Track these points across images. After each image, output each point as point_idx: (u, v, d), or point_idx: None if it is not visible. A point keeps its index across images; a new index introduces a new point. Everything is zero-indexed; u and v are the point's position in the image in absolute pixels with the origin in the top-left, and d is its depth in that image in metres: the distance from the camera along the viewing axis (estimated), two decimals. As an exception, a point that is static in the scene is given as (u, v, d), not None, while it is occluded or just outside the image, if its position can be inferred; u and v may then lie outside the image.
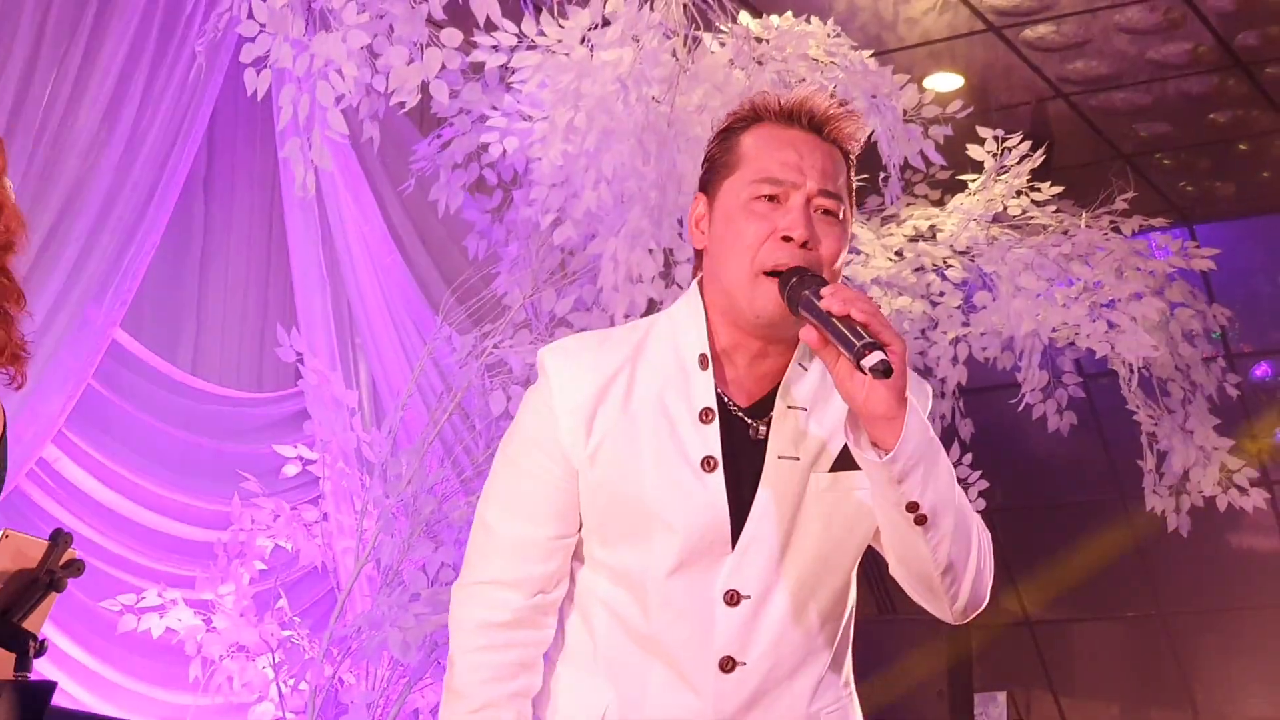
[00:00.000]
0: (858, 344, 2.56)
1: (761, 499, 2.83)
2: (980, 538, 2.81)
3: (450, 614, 2.94)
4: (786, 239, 2.80)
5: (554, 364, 2.89)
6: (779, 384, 2.89)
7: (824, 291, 2.66)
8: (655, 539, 2.82)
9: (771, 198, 2.83)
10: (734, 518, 2.83)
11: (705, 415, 2.84)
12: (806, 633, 2.89)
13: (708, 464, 2.82)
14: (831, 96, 3.00)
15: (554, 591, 2.91)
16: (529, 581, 2.89)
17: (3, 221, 2.92)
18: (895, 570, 2.85)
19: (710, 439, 2.83)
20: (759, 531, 2.83)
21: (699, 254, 2.96)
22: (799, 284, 2.73)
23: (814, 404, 2.88)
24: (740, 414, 2.88)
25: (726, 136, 2.93)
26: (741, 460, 2.85)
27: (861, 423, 2.66)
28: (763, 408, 2.89)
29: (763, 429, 2.87)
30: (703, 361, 2.86)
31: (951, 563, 2.77)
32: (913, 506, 2.68)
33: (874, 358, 2.55)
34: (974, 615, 2.88)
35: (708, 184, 2.93)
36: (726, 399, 2.89)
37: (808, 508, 2.85)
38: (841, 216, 2.88)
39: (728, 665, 2.83)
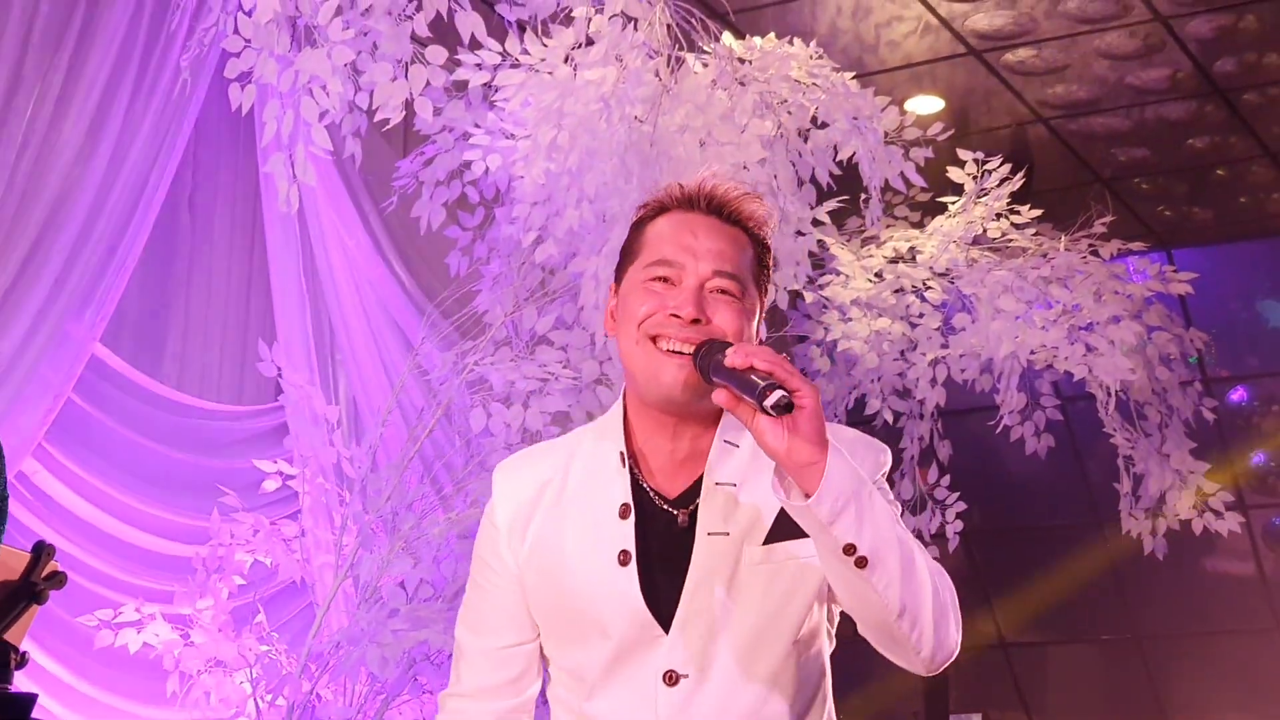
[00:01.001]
0: (760, 386, 2.56)
1: (693, 578, 2.85)
2: (939, 583, 2.76)
3: None
4: (675, 316, 2.81)
5: (498, 479, 3.03)
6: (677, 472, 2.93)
7: (728, 351, 2.67)
8: (589, 634, 2.89)
9: (665, 279, 2.86)
10: (665, 603, 2.85)
11: (623, 511, 2.89)
12: (753, 703, 2.88)
13: (623, 557, 2.86)
14: (740, 184, 3.03)
15: (519, 696, 3.06)
16: (489, 691, 3.06)
17: None
18: (861, 628, 2.81)
19: (626, 533, 2.87)
20: (691, 611, 2.84)
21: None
22: (707, 352, 2.74)
23: (744, 480, 2.89)
24: (665, 506, 2.91)
25: (636, 227, 2.97)
26: (671, 548, 2.88)
27: (788, 475, 2.64)
28: (690, 495, 2.91)
29: (684, 516, 2.89)
30: (621, 459, 2.91)
31: (905, 606, 2.71)
32: (849, 549, 2.64)
33: (774, 396, 2.55)
34: (944, 666, 2.83)
35: (619, 275, 2.97)
36: (651, 491, 2.92)
37: (741, 581, 2.86)
38: (741, 295, 2.89)
39: (672, 680, 2.85)
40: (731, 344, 2.72)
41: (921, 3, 8.57)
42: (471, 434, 6.88)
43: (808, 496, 2.62)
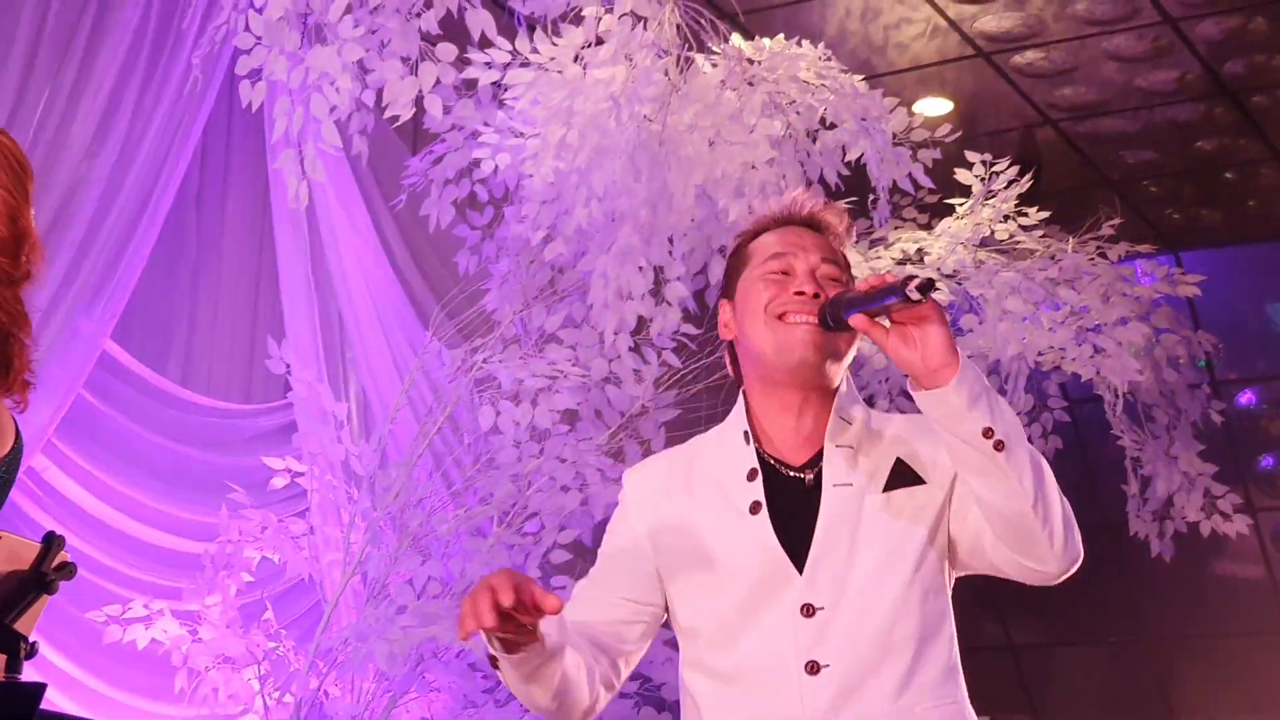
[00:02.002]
0: (898, 282, 2.88)
1: (823, 524, 3.14)
2: (1054, 481, 3.05)
3: None
4: (799, 293, 3.18)
5: (629, 476, 3.37)
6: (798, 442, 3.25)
7: (851, 286, 3.12)
8: (724, 581, 3.17)
9: (783, 272, 3.24)
10: (797, 547, 3.13)
11: (750, 474, 3.20)
12: (882, 628, 3.11)
13: (754, 507, 3.16)
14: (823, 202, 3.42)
15: (614, 641, 3.24)
16: (596, 624, 3.21)
17: (25, 253, 2.96)
18: (996, 529, 3.07)
19: (755, 490, 3.18)
20: (823, 550, 3.12)
21: (732, 353, 3.37)
22: (831, 301, 3.11)
23: (860, 443, 3.22)
24: (791, 471, 3.23)
25: (736, 250, 3.38)
26: (798, 504, 3.18)
27: (923, 382, 2.94)
28: (813, 463, 3.23)
29: (810, 476, 3.20)
30: (745, 438, 3.24)
31: (1038, 495, 2.98)
32: (988, 432, 2.92)
33: (916, 281, 2.86)
34: (1071, 571, 3.13)
35: (728, 289, 3.35)
36: (775, 462, 3.24)
37: (865, 524, 3.15)
38: (845, 282, 3.27)
39: (812, 668, 3.07)
40: (831, 299, 3.12)
41: (930, 4, 8.58)
42: (480, 432, 6.89)
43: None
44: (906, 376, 2.98)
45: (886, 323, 2.97)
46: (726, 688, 3.15)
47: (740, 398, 3.31)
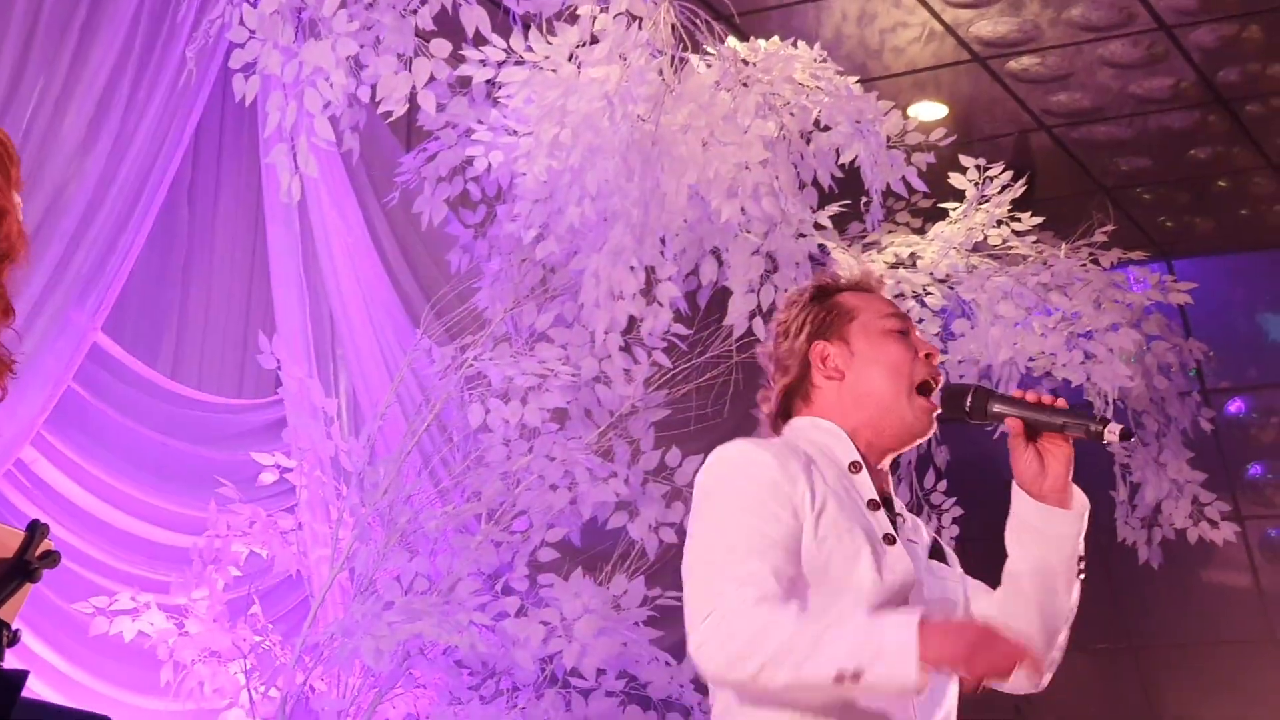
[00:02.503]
0: (1096, 419, 3.29)
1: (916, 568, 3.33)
2: None
3: (704, 649, 3.07)
4: (929, 356, 3.44)
5: (758, 445, 3.30)
6: (884, 487, 3.45)
7: (1015, 393, 3.40)
8: (846, 599, 3.18)
9: (902, 332, 3.45)
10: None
11: (872, 505, 3.32)
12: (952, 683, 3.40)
13: (888, 539, 3.29)
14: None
15: None
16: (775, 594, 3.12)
17: (4, 230, 2.93)
18: (1028, 635, 3.34)
19: (883, 522, 3.31)
20: (920, 596, 3.30)
21: (801, 388, 3.48)
22: (981, 392, 3.38)
23: (903, 510, 3.47)
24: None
25: (821, 299, 3.53)
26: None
27: (1041, 498, 3.34)
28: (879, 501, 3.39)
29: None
30: (854, 467, 3.35)
31: (1072, 610, 3.44)
32: (1081, 558, 3.38)
33: (1116, 426, 3.25)
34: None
35: (827, 332, 3.48)
36: None
37: (926, 581, 3.34)
38: None
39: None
40: (965, 386, 3.42)
41: (926, 9, 8.58)
42: (470, 429, 6.89)
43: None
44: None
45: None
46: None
47: (826, 422, 3.41)
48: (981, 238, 7.69)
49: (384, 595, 6.67)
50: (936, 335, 7.77)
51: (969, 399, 3.38)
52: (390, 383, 7.36)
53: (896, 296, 7.69)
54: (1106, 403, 7.70)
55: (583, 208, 6.32)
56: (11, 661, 3.07)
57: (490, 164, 6.68)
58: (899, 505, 3.44)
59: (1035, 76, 9.22)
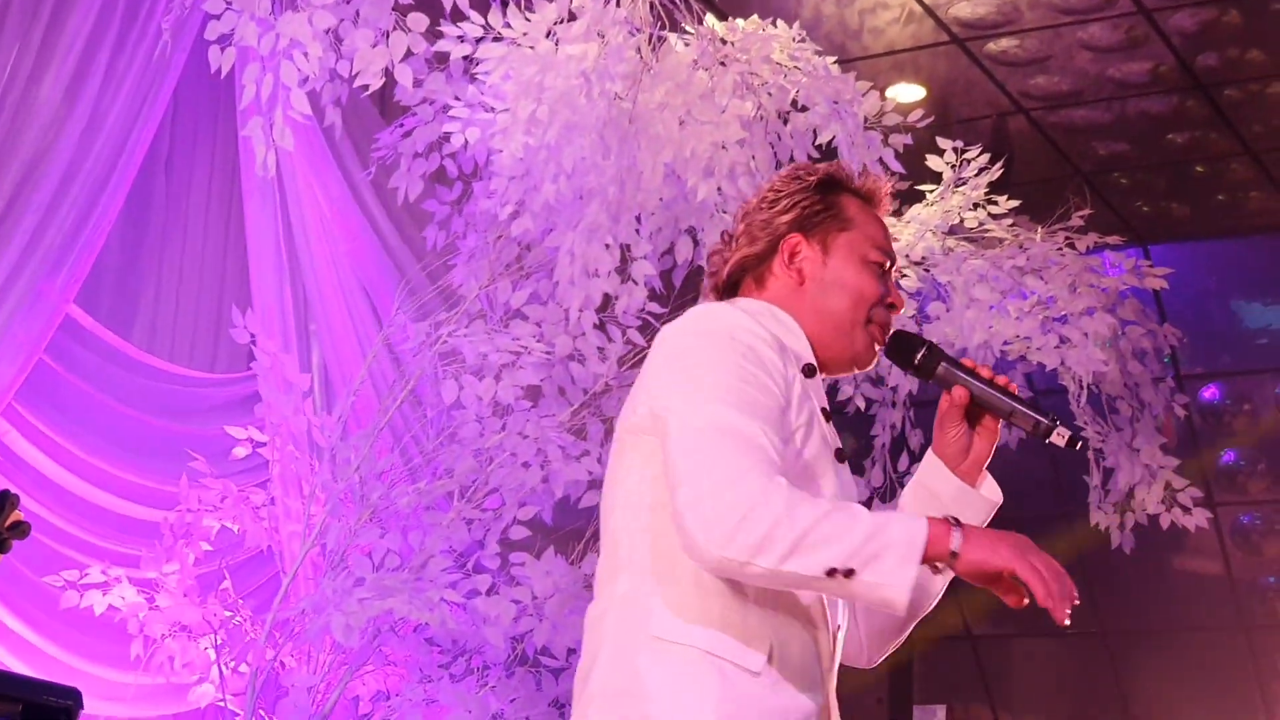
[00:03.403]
0: (1046, 418, 3.11)
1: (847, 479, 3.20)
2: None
3: (703, 516, 2.82)
4: (893, 306, 3.24)
5: (745, 319, 3.05)
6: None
7: (966, 362, 3.22)
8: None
9: (882, 266, 3.24)
10: None
11: (825, 415, 3.15)
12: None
13: (839, 454, 3.15)
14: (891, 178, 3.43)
15: None
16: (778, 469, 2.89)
17: None
18: (890, 617, 3.16)
19: (834, 435, 3.16)
20: None
21: (758, 269, 3.26)
22: (936, 352, 3.22)
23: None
24: None
25: (824, 192, 3.28)
26: None
27: (958, 472, 3.21)
28: None
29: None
30: (809, 370, 3.14)
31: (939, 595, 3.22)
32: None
33: (1065, 431, 3.10)
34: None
35: (811, 227, 3.25)
36: None
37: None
38: None
39: (836, 633, 3.11)
40: (920, 338, 3.25)
41: (905, -11, 8.59)
42: (443, 406, 6.88)
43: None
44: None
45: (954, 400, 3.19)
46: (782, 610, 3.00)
47: (787, 316, 3.19)
48: (958, 220, 7.69)
49: (355, 572, 6.66)
50: (912, 318, 7.77)
51: (921, 353, 3.21)
52: (364, 358, 7.35)
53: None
54: (1081, 387, 7.71)
55: (559, 185, 6.31)
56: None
57: (467, 140, 6.66)
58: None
59: (1014, 59, 9.22)
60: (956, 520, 2.81)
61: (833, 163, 3.36)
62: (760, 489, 2.78)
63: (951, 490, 3.20)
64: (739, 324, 3.02)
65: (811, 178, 3.27)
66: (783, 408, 2.98)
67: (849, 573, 2.74)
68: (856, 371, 3.27)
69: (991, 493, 3.22)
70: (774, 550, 2.76)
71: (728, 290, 3.27)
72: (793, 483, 2.86)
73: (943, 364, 3.19)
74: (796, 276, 3.21)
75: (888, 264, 3.25)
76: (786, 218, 3.24)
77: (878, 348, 3.23)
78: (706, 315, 3.06)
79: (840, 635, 3.13)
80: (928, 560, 2.78)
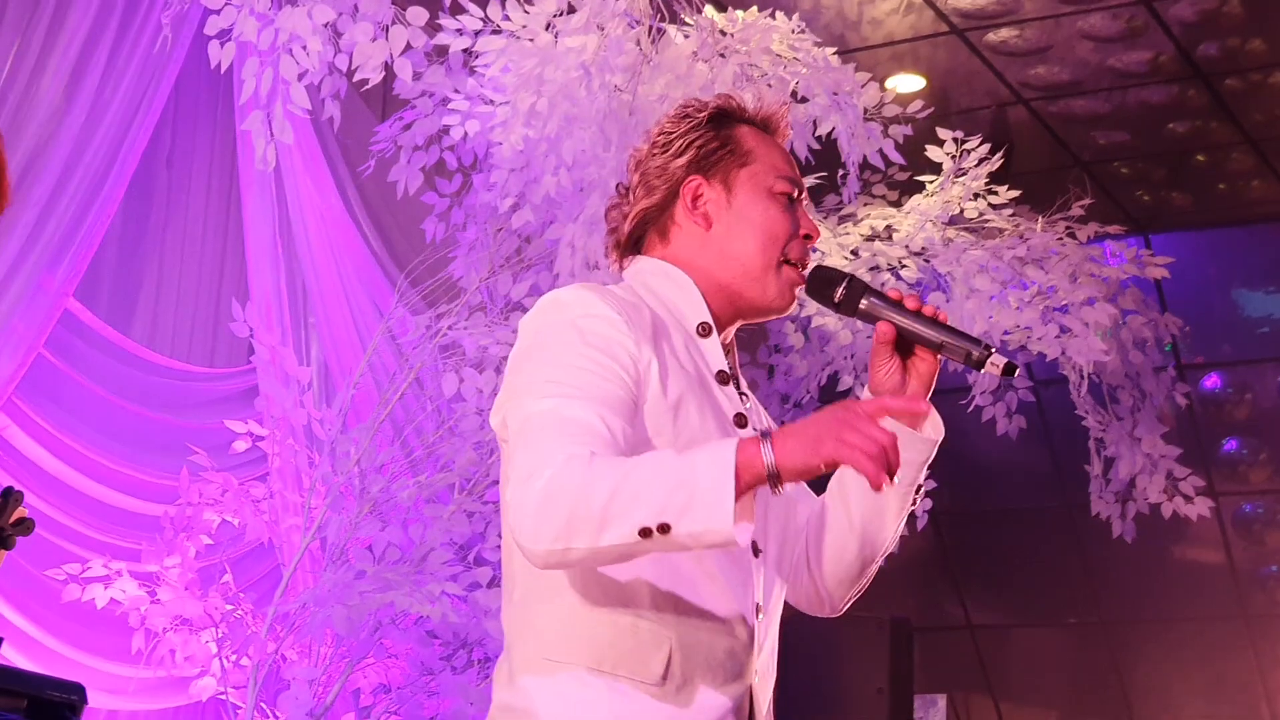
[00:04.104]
0: (979, 348, 2.86)
1: None
2: None
3: (521, 509, 2.64)
4: (808, 237, 3.04)
5: (591, 293, 2.86)
6: (731, 360, 3.07)
7: (892, 293, 2.96)
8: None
9: (790, 197, 3.04)
10: None
11: (720, 377, 2.97)
12: (783, 583, 3.05)
13: (739, 420, 2.94)
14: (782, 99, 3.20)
15: None
16: (610, 446, 2.70)
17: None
18: (843, 557, 3.02)
19: (733, 399, 2.97)
20: (763, 493, 2.77)
21: (660, 221, 3.06)
22: (856, 284, 2.96)
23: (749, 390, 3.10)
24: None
25: (718, 127, 3.07)
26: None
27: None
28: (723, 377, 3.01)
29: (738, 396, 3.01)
30: (703, 329, 2.98)
31: (893, 541, 3.04)
32: (919, 487, 2.98)
33: (1000, 358, 2.85)
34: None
35: (710, 167, 3.04)
36: None
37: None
38: None
39: (758, 612, 2.90)
40: (840, 272, 3.00)
41: (905, -20, 8.58)
42: (443, 398, 6.88)
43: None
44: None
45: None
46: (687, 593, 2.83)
47: (677, 270, 3.04)
48: (958, 211, 7.70)
49: (356, 565, 6.67)
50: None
51: (841, 288, 2.97)
52: (363, 352, 7.35)
53: (872, 269, 7.69)
54: (1082, 377, 7.72)
55: (559, 177, 6.31)
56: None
57: (466, 133, 6.66)
58: (744, 383, 3.06)
59: (1014, 49, 9.20)
60: (765, 433, 2.57)
61: (720, 94, 3.15)
62: (561, 469, 2.60)
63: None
64: (583, 309, 2.82)
65: (702, 114, 3.07)
66: (631, 390, 2.77)
67: (664, 528, 2.53)
68: (776, 317, 3.11)
69: (934, 430, 2.96)
70: (583, 528, 2.57)
71: (630, 247, 3.10)
72: (657, 416, 2.78)
73: (865, 298, 2.96)
74: (703, 222, 3.02)
75: (795, 192, 3.06)
76: (682, 160, 3.04)
77: (797, 290, 3.04)
78: (550, 305, 2.88)
79: (769, 610, 2.95)
80: (748, 487, 2.55)
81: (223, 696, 6.89)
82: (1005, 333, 7.64)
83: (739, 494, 2.53)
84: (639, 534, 2.54)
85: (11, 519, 3.50)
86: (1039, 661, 13.50)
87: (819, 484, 2.92)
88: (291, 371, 7.05)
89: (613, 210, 3.16)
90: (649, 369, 2.82)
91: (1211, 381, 12.07)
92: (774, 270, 3.00)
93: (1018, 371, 2.97)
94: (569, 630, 2.79)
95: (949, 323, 2.94)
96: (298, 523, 7.04)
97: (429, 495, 6.86)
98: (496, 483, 6.91)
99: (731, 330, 3.06)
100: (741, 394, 3.01)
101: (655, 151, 3.07)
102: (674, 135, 3.06)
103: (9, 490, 3.50)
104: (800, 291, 3.03)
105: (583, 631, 2.78)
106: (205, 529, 6.95)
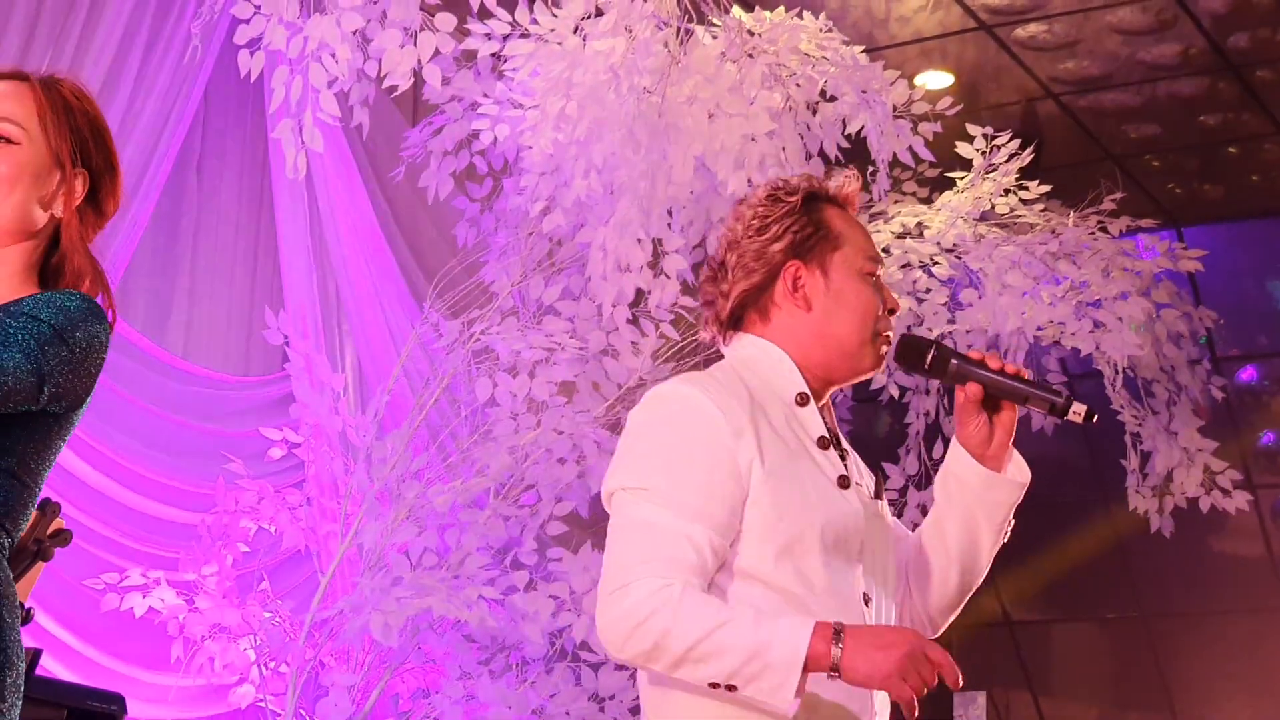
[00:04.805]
0: (1062, 397, 3.18)
1: (865, 518, 3.22)
2: None
3: (606, 618, 2.98)
4: (892, 311, 3.31)
5: (693, 390, 3.13)
6: (830, 421, 3.32)
7: (975, 355, 3.27)
8: (810, 548, 3.08)
9: (874, 275, 3.30)
10: None
11: (821, 442, 3.20)
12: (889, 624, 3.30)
13: (842, 482, 3.18)
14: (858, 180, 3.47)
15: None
16: (698, 572, 3.01)
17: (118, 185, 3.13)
18: (945, 589, 3.37)
19: (835, 462, 3.20)
20: (870, 542, 3.20)
21: (759, 301, 3.29)
22: (945, 351, 3.28)
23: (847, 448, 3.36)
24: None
25: (809, 211, 3.31)
26: None
27: (984, 459, 3.26)
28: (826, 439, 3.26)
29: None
30: (801, 399, 3.21)
31: (984, 573, 3.38)
32: (1010, 525, 3.31)
33: (1081, 406, 3.16)
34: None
35: (807, 253, 3.28)
36: None
37: (873, 525, 3.23)
38: None
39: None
40: (926, 340, 3.31)
41: (933, -24, 8.57)
42: (477, 403, 6.89)
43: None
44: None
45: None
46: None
47: (772, 347, 3.26)
48: (989, 207, 7.69)
49: (393, 570, 6.68)
50: (944, 305, 7.77)
51: (930, 355, 3.27)
52: (397, 358, 7.36)
53: (903, 267, 7.68)
54: (1116, 371, 7.70)
55: (589, 180, 6.32)
56: (25, 640, 3.08)
57: (496, 137, 6.67)
58: (844, 442, 3.31)
59: (1042, 44, 9.18)
60: (839, 630, 2.87)
61: (805, 176, 3.39)
62: (654, 601, 2.91)
63: (979, 478, 3.25)
64: (691, 413, 3.08)
65: (794, 198, 3.29)
66: (731, 495, 3.03)
67: (731, 687, 2.88)
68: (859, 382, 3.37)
69: (1019, 473, 3.27)
70: (662, 660, 2.91)
71: (731, 324, 3.31)
72: (771, 532, 3.02)
73: (953, 361, 3.26)
74: (803, 304, 3.24)
75: (879, 270, 3.31)
76: (780, 245, 3.26)
77: (887, 351, 3.30)
78: (656, 402, 3.15)
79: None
80: (811, 672, 2.88)
81: (262, 704, 6.90)
82: (1039, 328, 7.63)
83: (801, 681, 2.86)
84: (709, 684, 2.90)
85: (49, 531, 3.52)
86: (1078, 657, 13.47)
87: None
88: (326, 378, 7.07)
89: (706, 285, 3.38)
90: (751, 456, 3.05)
91: (1248, 374, 12.03)
92: (869, 344, 3.25)
93: (1096, 417, 3.18)
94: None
95: (1027, 376, 3.24)
96: (334, 529, 7.05)
97: (465, 500, 6.87)
98: (531, 487, 6.93)
99: (826, 396, 3.30)
100: (842, 453, 3.24)
101: (751, 234, 3.29)
102: (769, 220, 3.28)
103: (46, 502, 3.52)
104: (880, 363, 3.30)
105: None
106: (242, 536, 6.97)
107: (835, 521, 3.09)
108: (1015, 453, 3.29)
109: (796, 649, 2.85)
